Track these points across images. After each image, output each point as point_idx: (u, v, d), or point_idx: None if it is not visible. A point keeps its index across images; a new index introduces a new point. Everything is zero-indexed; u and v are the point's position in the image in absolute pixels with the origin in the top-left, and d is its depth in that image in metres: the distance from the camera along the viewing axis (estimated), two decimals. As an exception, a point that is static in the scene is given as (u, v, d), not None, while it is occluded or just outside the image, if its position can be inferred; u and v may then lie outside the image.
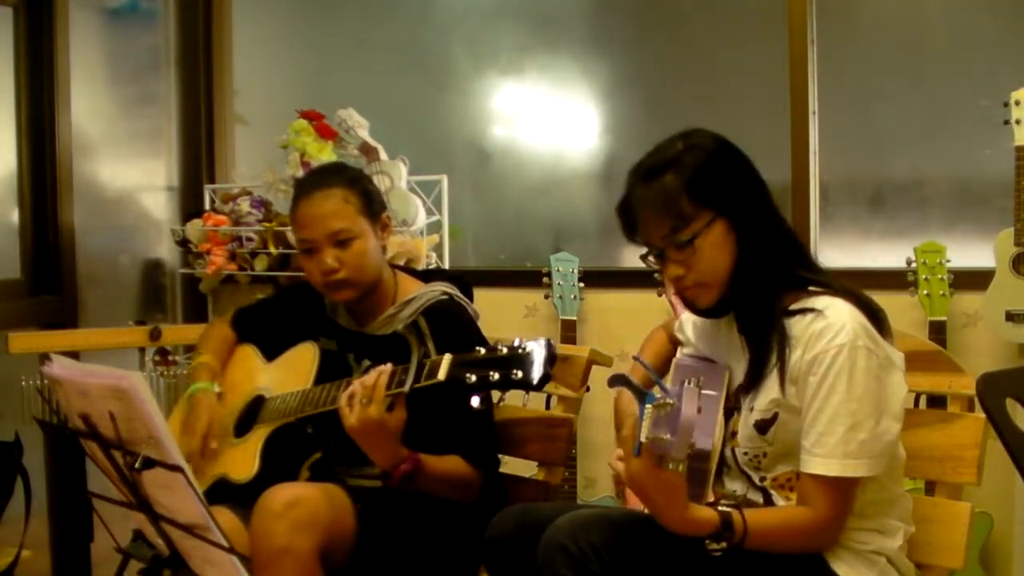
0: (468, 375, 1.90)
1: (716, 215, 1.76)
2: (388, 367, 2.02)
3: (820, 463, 1.71)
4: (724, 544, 1.66)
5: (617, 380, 1.68)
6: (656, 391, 1.57)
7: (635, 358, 1.90)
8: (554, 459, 2.33)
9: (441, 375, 1.93)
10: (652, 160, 1.79)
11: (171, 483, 1.56)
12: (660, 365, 2.10)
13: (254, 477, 2.19)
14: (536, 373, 1.86)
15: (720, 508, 1.72)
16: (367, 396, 1.99)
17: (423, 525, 2.19)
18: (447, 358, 1.94)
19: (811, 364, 1.72)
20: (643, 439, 1.54)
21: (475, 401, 1.92)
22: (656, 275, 3.19)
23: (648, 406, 1.55)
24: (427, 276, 2.44)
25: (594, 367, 2.36)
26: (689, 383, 1.52)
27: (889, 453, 1.75)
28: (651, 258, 1.84)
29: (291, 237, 3.41)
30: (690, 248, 1.76)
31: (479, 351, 1.92)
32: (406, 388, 1.98)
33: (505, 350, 1.89)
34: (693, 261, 1.77)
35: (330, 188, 2.26)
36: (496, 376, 1.88)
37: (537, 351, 1.87)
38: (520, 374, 1.86)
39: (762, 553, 1.73)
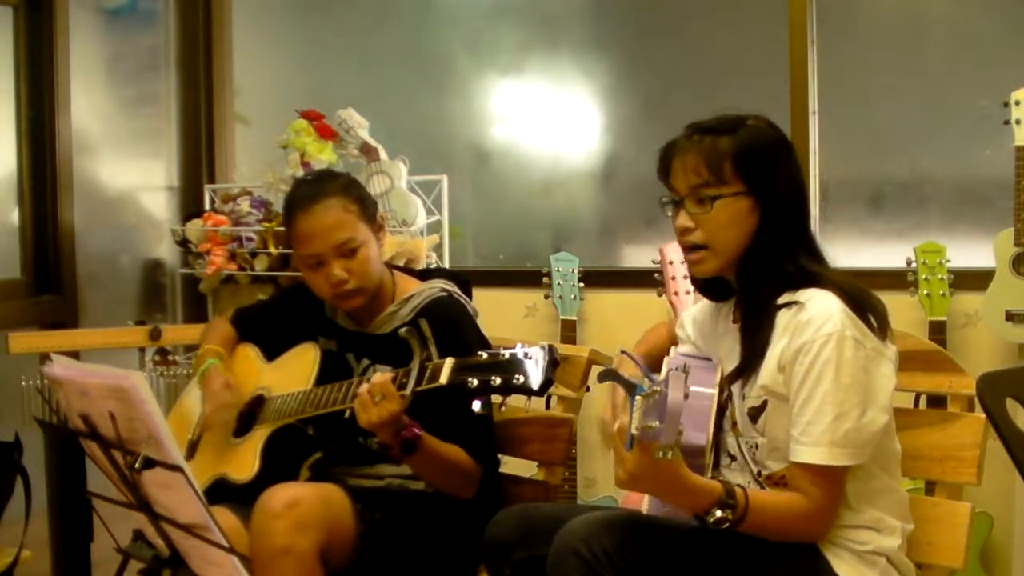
0: (470, 379, 1.90)
1: (748, 191, 1.80)
2: (385, 375, 2.02)
3: (807, 451, 1.72)
4: (729, 514, 1.67)
5: (607, 375, 1.68)
6: (645, 383, 1.57)
7: (623, 352, 1.91)
8: (554, 459, 2.33)
9: (443, 379, 1.93)
10: (714, 121, 1.84)
11: (171, 483, 1.56)
12: (657, 357, 2.11)
13: (254, 477, 2.19)
14: (538, 378, 1.86)
15: (721, 480, 1.73)
16: (379, 394, 1.99)
17: (423, 525, 2.20)
18: (449, 362, 1.94)
19: (797, 353, 1.73)
20: (634, 430, 1.55)
21: (476, 405, 1.93)
22: (657, 275, 3.19)
23: (637, 397, 1.55)
24: (425, 275, 2.44)
25: (594, 367, 2.36)
26: (675, 370, 1.52)
27: (874, 443, 1.76)
28: (669, 205, 1.87)
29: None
30: (709, 207, 1.80)
31: (481, 355, 1.92)
32: (408, 391, 1.97)
33: (507, 355, 1.89)
34: (705, 220, 1.81)
35: (327, 199, 2.24)
36: (498, 381, 1.88)
37: (539, 356, 1.87)
38: (521, 379, 1.87)
39: (769, 556, 1.73)
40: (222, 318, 2.59)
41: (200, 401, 2.41)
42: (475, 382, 1.90)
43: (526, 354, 1.88)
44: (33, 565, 2.78)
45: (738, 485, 1.73)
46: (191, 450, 2.40)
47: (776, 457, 1.81)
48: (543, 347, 1.89)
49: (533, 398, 1.93)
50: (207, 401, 2.34)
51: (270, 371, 2.41)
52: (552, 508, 1.98)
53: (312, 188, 2.29)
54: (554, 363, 1.88)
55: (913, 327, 2.90)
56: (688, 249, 1.86)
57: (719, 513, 1.67)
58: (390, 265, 2.44)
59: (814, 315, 1.73)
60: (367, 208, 2.29)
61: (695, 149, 1.81)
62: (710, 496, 1.67)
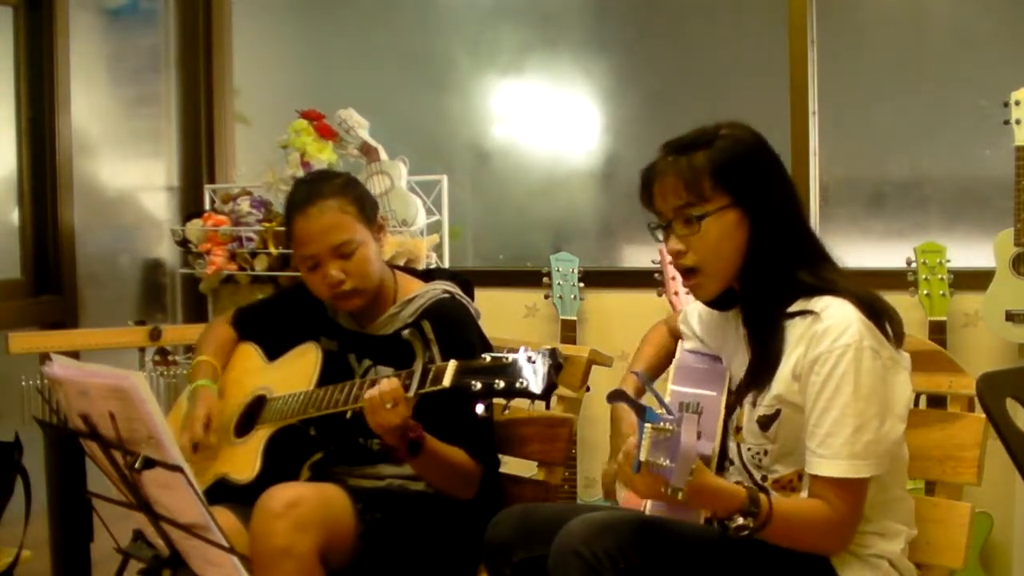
0: (473, 383, 1.90)
1: (733, 203, 1.77)
2: (394, 380, 2.02)
3: (827, 464, 1.70)
4: (751, 521, 1.65)
5: (616, 396, 1.67)
6: (656, 407, 1.56)
7: (634, 373, 1.90)
8: (554, 459, 2.33)
9: (446, 382, 1.93)
10: (688, 137, 1.81)
11: (171, 483, 1.56)
12: (661, 361, 2.10)
13: (255, 478, 2.19)
14: (541, 383, 1.86)
15: (746, 486, 1.72)
16: (391, 400, 1.99)
17: (423, 525, 2.19)
18: (452, 365, 1.94)
19: (814, 363, 1.72)
20: (642, 459, 1.54)
21: (479, 408, 1.92)
22: (656, 275, 3.20)
23: (647, 425, 1.54)
24: (427, 275, 2.44)
25: (594, 367, 2.36)
26: (688, 409, 1.51)
27: (893, 453, 1.75)
28: (657, 230, 1.85)
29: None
30: (697, 226, 1.77)
31: (484, 358, 1.92)
32: (411, 394, 1.97)
33: (510, 358, 1.89)
34: (696, 240, 1.78)
35: (324, 200, 2.23)
36: (501, 384, 1.88)
37: (542, 360, 1.87)
38: (525, 383, 1.86)
39: (772, 558, 1.73)
40: (222, 319, 2.59)
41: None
42: (478, 385, 1.89)
43: (529, 358, 1.88)
44: (33, 565, 2.78)
45: (762, 491, 1.71)
46: (192, 450, 2.40)
47: (786, 462, 1.81)
48: (547, 351, 1.88)
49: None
50: (184, 429, 2.32)
51: (271, 371, 2.40)
52: (552, 508, 1.97)
53: (309, 189, 2.29)
54: (557, 367, 1.87)
55: (913, 327, 2.89)
56: (684, 273, 1.84)
57: (741, 520, 1.64)
58: (392, 266, 2.44)
59: (831, 325, 1.71)
60: (366, 209, 2.29)
61: (672, 170, 1.79)
62: (732, 501, 1.65)
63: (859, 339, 1.70)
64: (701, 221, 1.77)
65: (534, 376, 1.86)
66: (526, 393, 1.87)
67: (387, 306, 2.32)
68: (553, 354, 1.88)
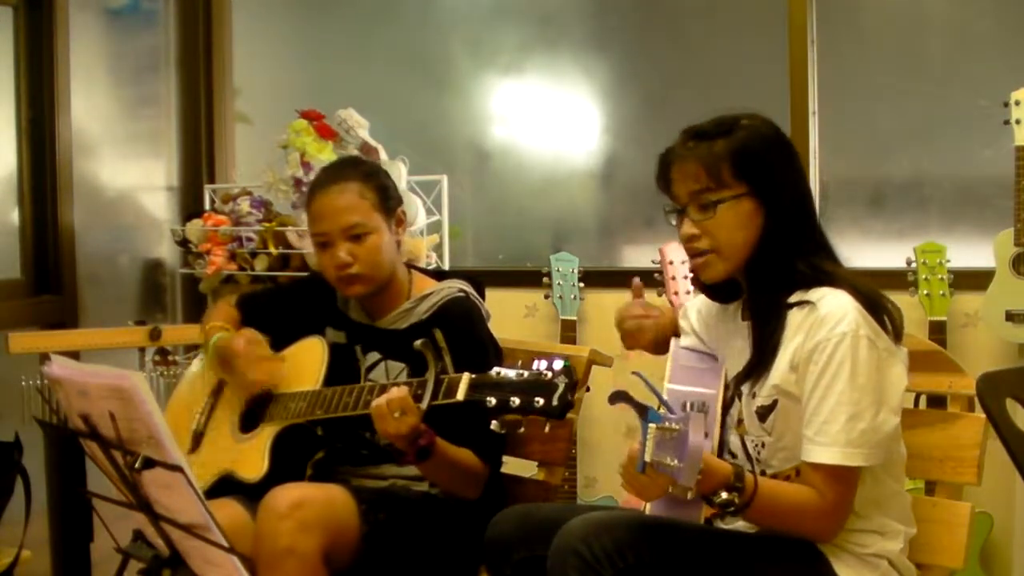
0: (488, 398, 1.87)
1: (749, 192, 1.79)
2: (403, 389, 2.01)
3: (822, 452, 1.71)
4: (735, 496, 1.66)
5: (617, 397, 1.67)
6: (657, 406, 1.56)
7: (636, 374, 1.90)
8: (554, 459, 2.33)
9: (459, 395, 1.92)
10: (709, 124, 1.83)
11: (171, 483, 1.56)
12: (660, 344, 2.10)
13: (263, 477, 2.19)
14: (558, 402, 1.82)
15: (734, 463, 1.73)
16: (399, 409, 1.98)
17: (425, 525, 2.20)
18: (466, 378, 1.93)
19: (812, 352, 1.73)
20: (647, 459, 1.54)
21: (494, 424, 1.87)
22: (656, 275, 3.19)
23: (652, 425, 1.54)
24: (440, 275, 2.44)
25: (594, 367, 2.36)
26: (692, 408, 1.52)
27: (887, 445, 1.75)
28: (672, 214, 1.86)
29: (291, 237, 3.42)
30: (712, 212, 1.79)
31: (499, 373, 1.89)
32: (423, 405, 1.97)
33: (525, 374, 1.86)
34: (710, 226, 1.80)
35: (346, 182, 2.26)
36: (517, 402, 1.84)
37: (559, 378, 1.83)
38: (542, 402, 1.83)
39: (770, 557, 1.73)
40: (225, 301, 2.55)
41: (200, 383, 2.40)
42: (493, 400, 1.86)
43: (547, 375, 1.84)
44: (33, 565, 2.79)
45: (750, 471, 1.73)
46: (196, 441, 2.39)
47: (782, 457, 1.81)
48: (563, 368, 1.84)
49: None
50: (241, 363, 2.29)
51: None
52: (552, 508, 1.97)
53: (334, 171, 2.34)
54: (574, 385, 1.84)
55: (913, 327, 2.89)
56: (694, 256, 1.85)
57: (725, 495, 1.66)
58: (410, 264, 2.44)
59: (827, 313, 1.73)
60: (387, 200, 2.30)
61: (691, 155, 1.81)
62: (718, 477, 1.66)
63: (855, 327, 1.71)
64: (717, 207, 1.79)
65: (550, 395, 1.82)
66: (542, 411, 1.83)
67: (400, 301, 2.33)
68: (569, 372, 1.84)
